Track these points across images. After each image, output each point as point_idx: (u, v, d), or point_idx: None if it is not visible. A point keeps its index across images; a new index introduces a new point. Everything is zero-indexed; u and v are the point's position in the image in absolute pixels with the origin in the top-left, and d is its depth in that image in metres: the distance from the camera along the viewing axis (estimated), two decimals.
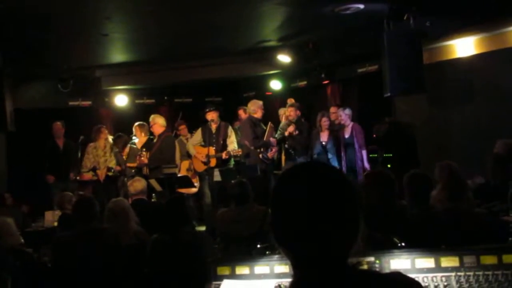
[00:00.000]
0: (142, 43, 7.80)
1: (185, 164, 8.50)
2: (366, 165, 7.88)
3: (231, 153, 7.75)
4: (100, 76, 9.63)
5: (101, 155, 8.69)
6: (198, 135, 8.23)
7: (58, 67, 8.72)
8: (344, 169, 7.73)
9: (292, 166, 1.35)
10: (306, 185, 1.26)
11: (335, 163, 7.81)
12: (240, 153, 7.80)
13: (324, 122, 8.17)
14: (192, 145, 8.25)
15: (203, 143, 8.09)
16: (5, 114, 6.73)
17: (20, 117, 8.22)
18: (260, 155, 7.92)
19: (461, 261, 2.31)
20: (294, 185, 1.28)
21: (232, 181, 5.20)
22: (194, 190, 8.06)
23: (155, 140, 8.48)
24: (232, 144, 7.92)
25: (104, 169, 8.51)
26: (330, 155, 8.02)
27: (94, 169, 8.57)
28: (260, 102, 8.32)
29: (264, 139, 8.13)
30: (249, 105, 8.39)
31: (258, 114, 8.18)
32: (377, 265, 2.32)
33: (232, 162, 8.08)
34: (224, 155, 7.79)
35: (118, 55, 8.61)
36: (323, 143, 8.10)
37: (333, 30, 7.32)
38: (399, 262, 2.34)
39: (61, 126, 9.04)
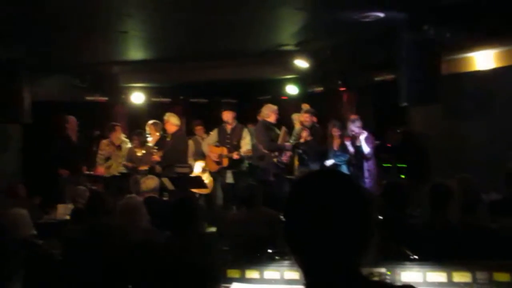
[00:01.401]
0: (160, 41, 7.83)
1: (200, 164, 8.51)
2: (366, 173, 7.84)
3: (242, 154, 7.76)
4: (117, 73, 9.68)
5: (115, 153, 8.75)
6: (213, 134, 8.26)
7: (76, 62, 8.79)
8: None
9: (307, 173, 1.35)
10: (320, 193, 1.26)
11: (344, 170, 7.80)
12: (250, 153, 7.79)
13: (335, 132, 8.13)
14: (207, 144, 8.28)
15: (217, 143, 8.11)
16: (22, 106, 6.80)
17: (37, 109, 8.31)
18: (275, 159, 7.89)
19: (473, 277, 2.28)
20: (308, 193, 1.28)
21: (243, 184, 5.19)
22: (206, 190, 8.08)
23: (168, 139, 8.50)
24: (246, 145, 7.91)
25: (116, 167, 8.60)
26: (340, 164, 7.98)
27: (107, 160, 8.66)
28: (274, 107, 8.29)
29: (278, 142, 8.11)
30: (263, 109, 8.38)
31: (272, 118, 8.17)
32: (388, 277, 2.30)
33: (246, 164, 8.08)
34: (235, 156, 7.81)
35: (136, 52, 8.65)
36: (336, 152, 8.07)
37: (351, 37, 7.30)
38: (411, 275, 2.32)
39: (75, 120, 9.09)
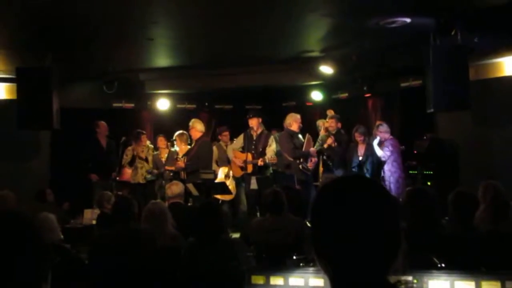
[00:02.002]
0: (186, 49, 7.90)
1: (224, 170, 8.55)
2: (391, 180, 7.75)
3: (267, 160, 7.78)
4: (143, 80, 9.80)
5: (138, 161, 8.87)
6: (239, 140, 8.30)
7: (103, 69, 8.93)
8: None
9: (335, 178, 1.34)
10: (348, 199, 1.25)
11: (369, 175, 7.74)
12: (275, 161, 7.80)
13: (358, 137, 8.08)
14: (232, 149, 8.32)
15: (241, 149, 8.15)
16: (51, 112, 6.92)
17: (65, 116, 8.44)
18: (300, 166, 7.89)
19: (503, 286, 2.23)
20: (336, 199, 1.27)
21: (267, 190, 5.17)
22: (230, 196, 8.10)
23: (192, 145, 8.56)
24: (271, 152, 7.92)
25: (140, 174, 8.73)
26: (365, 170, 7.92)
27: (132, 161, 8.77)
28: (297, 116, 8.30)
29: (303, 149, 8.11)
30: (287, 118, 8.41)
31: (294, 127, 8.19)
32: (415, 285, 2.27)
33: (270, 170, 8.09)
34: (259, 162, 7.83)
35: (162, 59, 8.75)
36: (360, 157, 8.02)
37: (378, 43, 7.25)
38: (438, 284, 2.29)
39: (106, 125, 9.22)
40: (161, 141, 9.09)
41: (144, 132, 9.20)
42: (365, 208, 1.24)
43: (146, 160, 8.90)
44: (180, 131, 8.77)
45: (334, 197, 1.28)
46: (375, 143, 7.81)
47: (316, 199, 1.32)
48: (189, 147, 8.67)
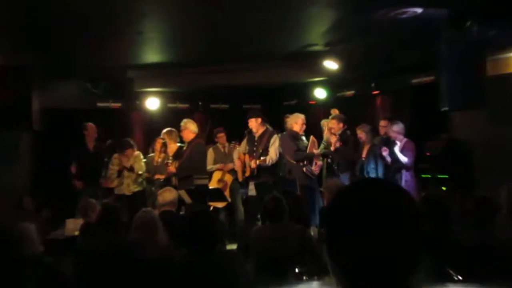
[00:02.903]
0: (178, 43, 7.89)
1: (217, 175, 8.52)
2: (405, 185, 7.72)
3: (259, 162, 7.71)
4: (132, 77, 9.78)
5: (125, 170, 8.80)
6: (244, 143, 8.26)
7: (88, 67, 8.91)
8: None
9: (353, 183, 1.36)
10: (369, 206, 1.25)
11: None
12: (271, 162, 7.75)
13: (362, 137, 8.05)
14: (237, 152, 8.29)
15: (245, 152, 8.09)
16: (31, 113, 6.90)
17: (47, 117, 8.43)
18: (304, 169, 7.85)
19: None
20: (354, 206, 1.27)
21: (268, 196, 5.15)
22: (224, 203, 8.06)
23: (184, 148, 8.53)
24: (272, 153, 7.85)
25: (126, 185, 8.70)
26: (366, 172, 7.88)
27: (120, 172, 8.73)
28: (301, 116, 8.26)
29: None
30: (289, 118, 8.38)
31: (296, 128, 8.14)
32: None
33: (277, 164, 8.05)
34: (253, 164, 7.77)
35: (152, 55, 8.73)
36: (363, 159, 8.00)
37: (386, 36, 7.24)
38: None
39: (95, 128, 9.18)
40: (159, 143, 8.98)
41: (132, 143, 9.01)
42: (387, 214, 1.23)
43: (132, 169, 8.79)
44: (169, 128, 8.73)
45: (351, 203, 1.28)
46: (397, 149, 7.74)
47: (331, 205, 1.32)
48: (179, 145, 8.64)
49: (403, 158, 7.71)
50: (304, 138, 8.31)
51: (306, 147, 8.11)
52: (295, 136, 8.10)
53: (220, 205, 8.02)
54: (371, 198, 1.27)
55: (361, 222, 1.23)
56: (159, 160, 8.58)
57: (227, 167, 8.48)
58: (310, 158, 7.99)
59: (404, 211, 1.26)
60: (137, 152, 9.05)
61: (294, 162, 7.89)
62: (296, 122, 8.14)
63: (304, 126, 8.20)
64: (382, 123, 8.63)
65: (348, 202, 1.29)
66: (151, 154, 9.02)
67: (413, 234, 1.24)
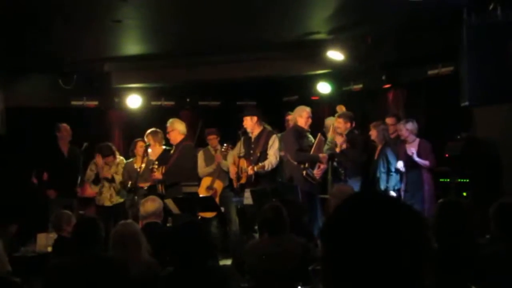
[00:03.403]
0: (163, 32, 7.90)
1: (206, 181, 8.52)
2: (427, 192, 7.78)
3: (257, 169, 7.68)
4: (110, 71, 9.80)
5: (103, 181, 8.85)
6: (238, 145, 8.20)
7: (59, 59, 8.91)
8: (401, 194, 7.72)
9: (353, 195, 1.46)
10: (366, 222, 1.34)
11: (383, 185, 7.77)
12: (270, 167, 7.76)
13: (375, 137, 8.10)
14: (232, 156, 8.23)
15: (241, 155, 8.03)
16: None
17: (12, 117, 8.42)
18: (304, 172, 7.83)
19: None
20: (352, 220, 1.36)
21: (266, 205, 5.17)
22: (213, 214, 8.07)
23: (172, 152, 8.54)
24: (271, 156, 7.85)
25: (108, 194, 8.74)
26: (379, 175, 7.93)
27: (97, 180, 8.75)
28: (306, 109, 8.24)
29: (311, 153, 8.07)
30: (294, 111, 8.37)
31: (301, 122, 8.11)
32: None
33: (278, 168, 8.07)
34: (250, 171, 7.76)
35: (132, 46, 8.75)
36: (374, 162, 8.05)
37: (398, 21, 7.27)
38: None
39: (69, 129, 9.17)
40: (141, 147, 9.00)
41: (113, 149, 9.08)
42: (384, 232, 1.33)
43: (113, 180, 8.84)
44: (153, 129, 8.75)
45: (350, 217, 1.38)
46: (415, 157, 7.80)
47: (330, 218, 1.41)
48: (164, 147, 8.66)
49: (424, 162, 7.75)
50: (310, 136, 8.33)
51: (311, 146, 8.12)
52: (300, 132, 8.10)
53: (209, 215, 8.03)
54: (369, 218, 1.35)
55: (357, 237, 1.32)
56: (143, 165, 8.59)
57: (218, 158, 8.45)
58: (314, 161, 7.99)
59: (404, 228, 1.34)
60: (119, 159, 9.08)
61: (295, 163, 7.89)
62: (301, 115, 8.14)
63: (310, 120, 8.19)
64: (389, 120, 8.63)
65: (345, 217, 1.38)
66: (131, 159, 9.01)
67: (408, 255, 1.32)
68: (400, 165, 7.78)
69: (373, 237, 1.31)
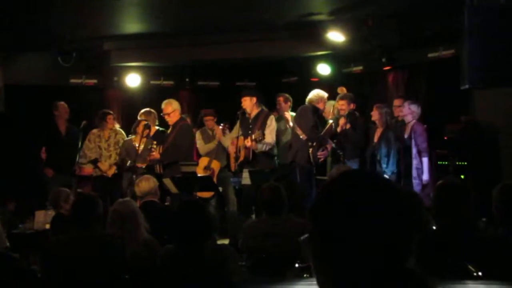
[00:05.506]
0: (162, 10, 7.85)
1: (203, 161, 8.53)
2: (426, 176, 7.74)
3: (255, 137, 7.69)
4: (109, 50, 9.75)
5: (104, 147, 8.82)
6: (237, 126, 8.23)
7: (58, 37, 8.86)
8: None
9: (341, 172, 1.47)
10: (348, 198, 1.37)
11: (386, 168, 7.78)
12: (269, 141, 7.79)
13: (376, 117, 8.08)
14: (230, 138, 8.26)
15: (240, 135, 8.05)
16: None
17: (10, 95, 8.40)
18: (310, 150, 7.91)
19: None
20: (337, 197, 1.39)
21: (264, 185, 5.18)
22: (211, 193, 8.08)
23: (169, 131, 8.53)
24: (268, 136, 7.86)
25: (107, 164, 8.67)
26: (379, 158, 7.93)
27: (95, 162, 8.70)
28: (325, 95, 8.42)
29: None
30: (311, 93, 8.45)
31: (321, 105, 8.32)
32: None
33: (275, 151, 8.10)
34: (248, 143, 7.77)
35: (132, 24, 8.71)
36: (374, 144, 8.04)
37: (400, 3, 7.24)
38: None
39: (67, 107, 9.16)
40: (142, 125, 8.98)
41: (111, 112, 9.11)
42: (366, 206, 1.35)
43: (112, 141, 8.84)
44: (147, 109, 8.74)
45: (334, 194, 1.41)
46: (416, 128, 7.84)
47: (317, 195, 1.45)
48: (157, 128, 8.65)
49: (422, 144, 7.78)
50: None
51: (324, 127, 8.22)
52: (317, 112, 8.22)
53: (207, 195, 8.04)
54: (354, 190, 1.39)
55: (341, 214, 1.35)
56: (142, 146, 8.57)
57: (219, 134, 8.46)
58: (323, 142, 8.05)
59: (391, 203, 1.37)
60: (119, 128, 9.08)
61: (304, 140, 7.94)
62: (321, 100, 8.33)
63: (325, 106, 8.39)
64: (397, 102, 8.61)
65: (330, 196, 1.41)
66: (130, 137, 8.94)
67: (400, 225, 1.35)
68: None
69: (361, 212, 1.34)
